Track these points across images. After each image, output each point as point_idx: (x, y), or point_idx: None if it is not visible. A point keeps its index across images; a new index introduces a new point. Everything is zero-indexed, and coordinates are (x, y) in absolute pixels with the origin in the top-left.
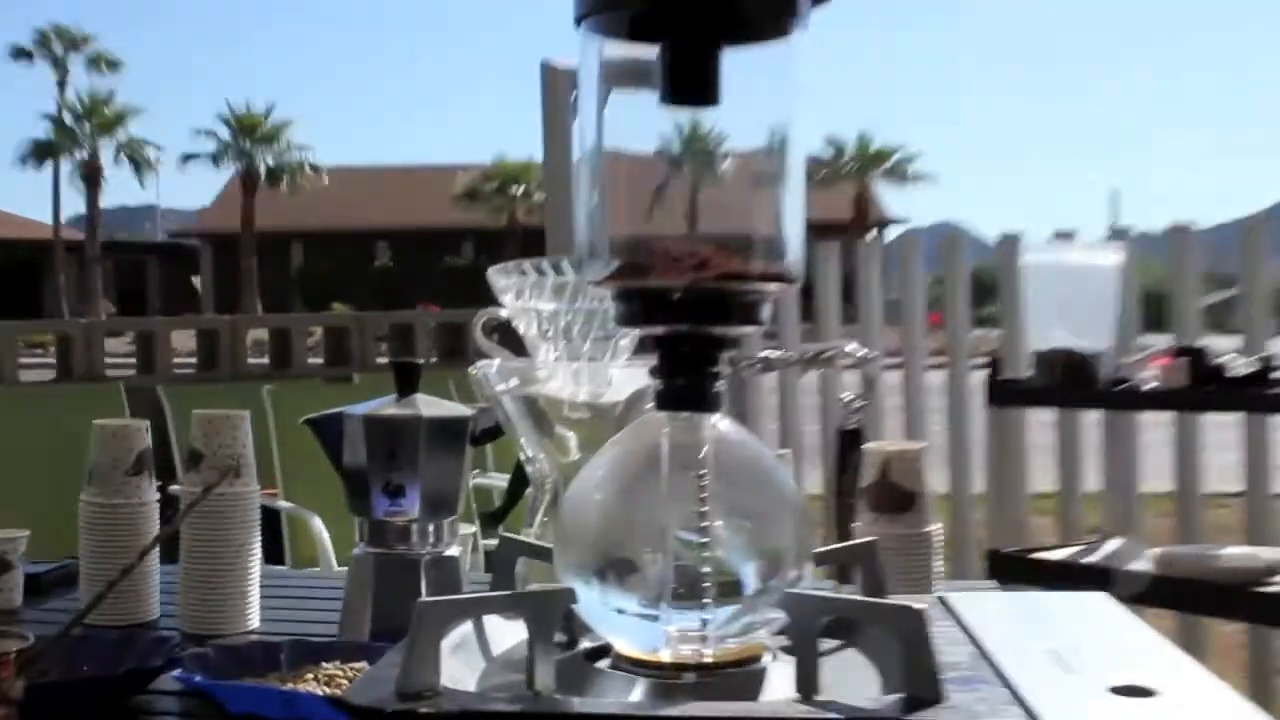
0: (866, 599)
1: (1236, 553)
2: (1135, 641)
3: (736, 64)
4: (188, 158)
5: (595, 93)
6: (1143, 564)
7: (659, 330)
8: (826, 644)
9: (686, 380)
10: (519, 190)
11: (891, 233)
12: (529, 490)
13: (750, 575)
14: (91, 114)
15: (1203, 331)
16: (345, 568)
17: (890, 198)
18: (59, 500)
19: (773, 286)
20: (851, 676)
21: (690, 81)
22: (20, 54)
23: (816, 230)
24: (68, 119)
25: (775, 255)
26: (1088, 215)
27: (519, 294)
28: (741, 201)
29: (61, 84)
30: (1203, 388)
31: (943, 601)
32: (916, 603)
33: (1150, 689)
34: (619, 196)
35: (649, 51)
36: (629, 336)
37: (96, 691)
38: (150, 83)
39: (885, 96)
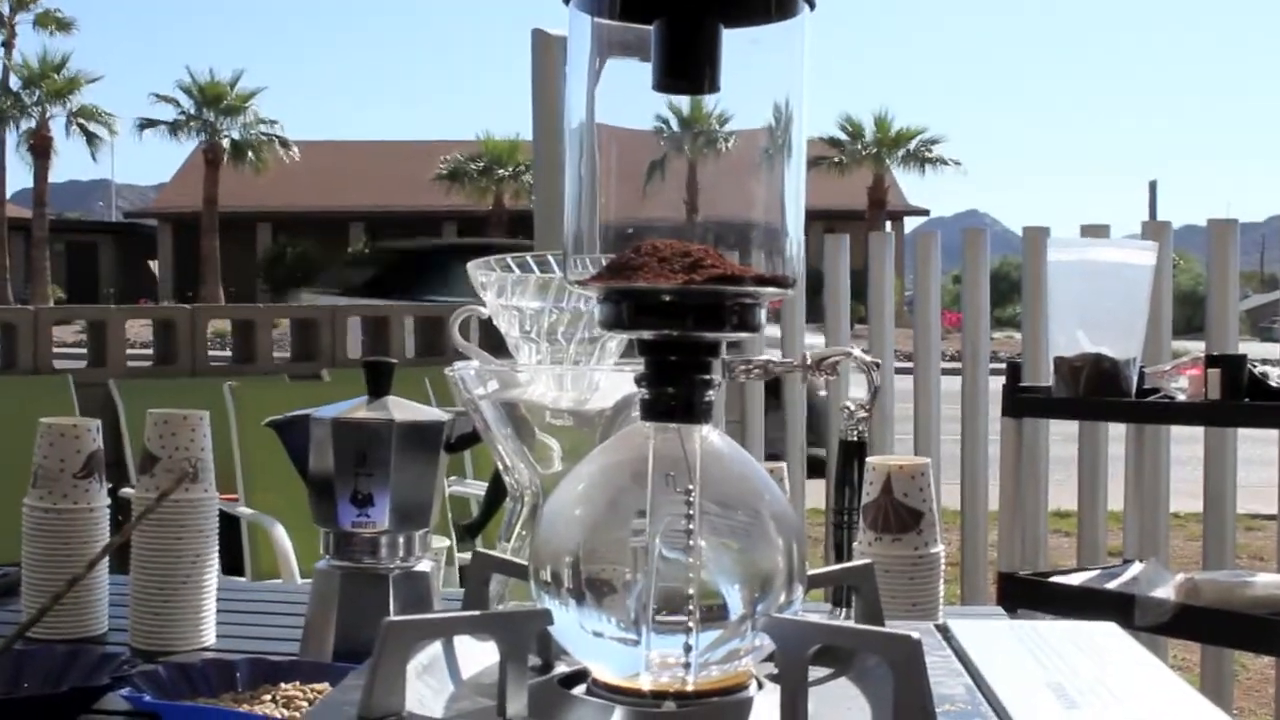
0: (859, 626)
1: (1267, 580)
2: (1143, 676)
3: (737, 45)
4: (145, 125)
5: (586, 68)
6: (1167, 591)
7: (646, 335)
8: (816, 673)
9: (675, 389)
10: (506, 171)
11: (911, 223)
12: (507, 502)
13: (737, 599)
14: (40, 79)
15: (1241, 337)
16: (309, 580)
17: (911, 184)
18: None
19: (770, 290)
20: (841, 708)
21: (687, 67)
22: None
23: (829, 219)
24: (14, 84)
25: (773, 255)
26: (1125, 208)
27: (500, 291)
28: (739, 192)
29: (7, 45)
30: (1238, 400)
31: (943, 629)
32: (913, 631)
33: None
34: (610, 177)
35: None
36: (617, 339)
37: (39, 710)
38: (105, 46)
39: (909, 76)
